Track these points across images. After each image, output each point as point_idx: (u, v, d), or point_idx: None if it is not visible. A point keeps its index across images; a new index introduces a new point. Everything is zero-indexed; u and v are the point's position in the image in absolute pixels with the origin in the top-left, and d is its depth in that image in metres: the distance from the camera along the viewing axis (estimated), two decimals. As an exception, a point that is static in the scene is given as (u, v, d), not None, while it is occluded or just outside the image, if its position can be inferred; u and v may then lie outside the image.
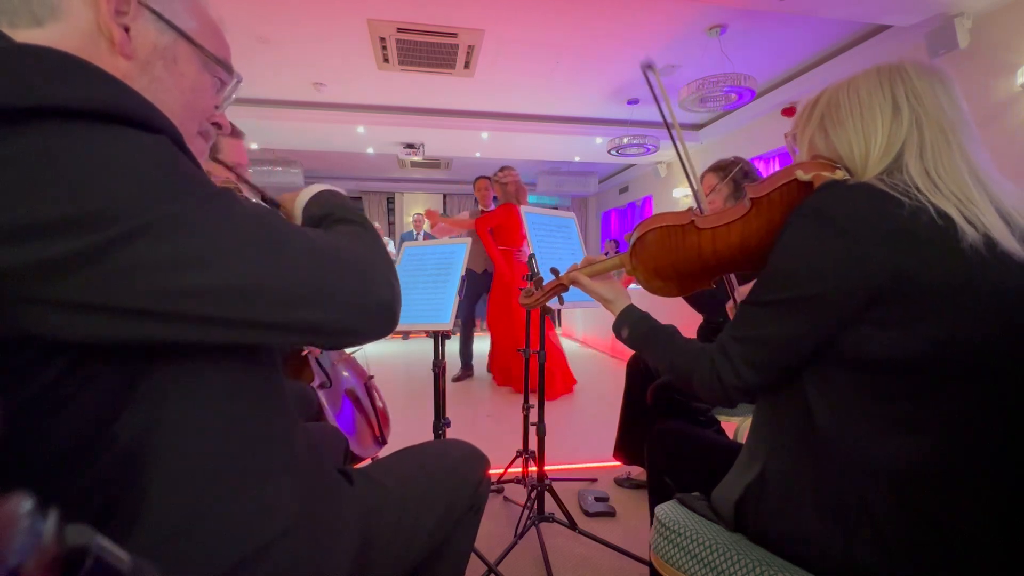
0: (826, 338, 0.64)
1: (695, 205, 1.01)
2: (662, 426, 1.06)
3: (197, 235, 0.39)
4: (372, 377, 1.78)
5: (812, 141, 0.75)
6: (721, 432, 1.61)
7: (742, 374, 0.69)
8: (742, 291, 1.30)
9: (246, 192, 0.74)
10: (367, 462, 1.43)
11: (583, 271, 0.99)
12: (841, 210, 0.62)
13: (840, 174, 0.69)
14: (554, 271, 1.08)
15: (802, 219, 0.65)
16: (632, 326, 0.90)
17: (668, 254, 0.84)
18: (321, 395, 1.39)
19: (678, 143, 1.04)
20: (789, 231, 0.66)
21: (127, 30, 0.48)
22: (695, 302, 1.76)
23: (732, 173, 1.71)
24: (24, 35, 0.43)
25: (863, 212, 0.61)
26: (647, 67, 1.06)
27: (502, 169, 3.69)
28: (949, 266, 0.58)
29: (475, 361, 4.16)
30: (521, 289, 1.13)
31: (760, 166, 5.36)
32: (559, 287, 1.05)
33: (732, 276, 1.31)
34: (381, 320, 0.51)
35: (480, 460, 0.85)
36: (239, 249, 0.41)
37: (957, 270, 0.58)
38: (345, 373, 1.66)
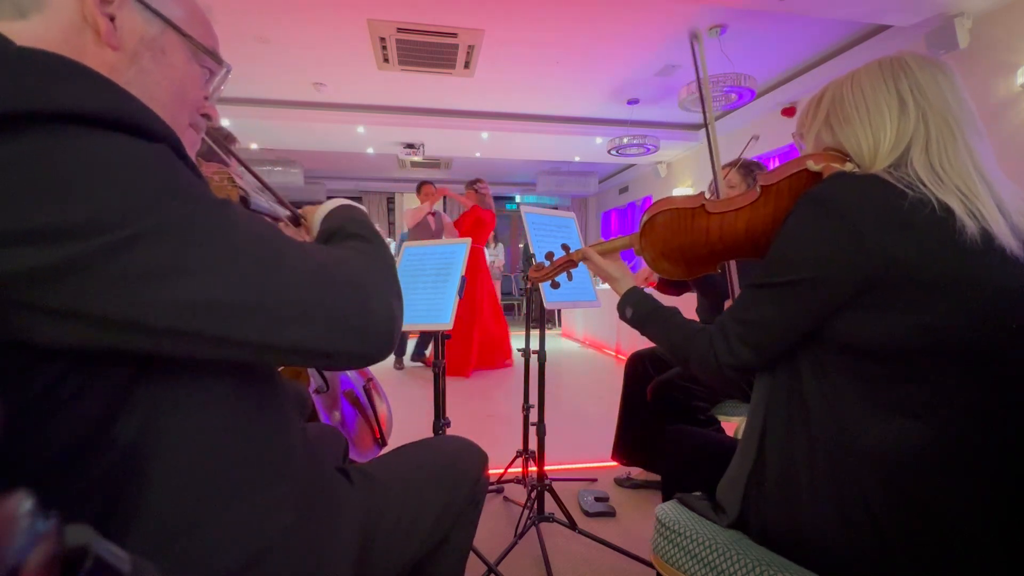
0: (820, 321, 0.66)
1: (710, 190, 1.03)
2: (677, 429, 1.06)
3: (191, 248, 0.38)
4: (372, 379, 1.78)
5: (819, 137, 0.75)
6: (720, 431, 1.61)
7: (737, 353, 0.72)
8: None
9: (267, 203, 0.74)
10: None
11: (594, 248, 1.02)
12: (842, 198, 0.63)
13: (850, 166, 0.70)
14: (565, 247, 1.09)
15: (805, 206, 0.67)
16: (635, 306, 0.92)
17: (677, 236, 0.86)
18: (316, 400, 1.39)
19: (710, 128, 1.04)
20: (792, 217, 0.68)
21: (112, 19, 0.47)
22: (703, 290, 1.77)
23: (754, 173, 1.75)
24: (7, 27, 0.42)
25: (863, 200, 0.62)
26: (693, 37, 1.08)
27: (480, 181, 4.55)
28: (945, 258, 0.59)
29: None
30: (531, 264, 1.16)
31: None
32: (568, 263, 1.08)
33: (734, 274, 1.31)
34: (375, 343, 0.49)
35: (478, 455, 0.85)
36: (233, 264, 0.40)
37: (953, 262, 0.59)
38: (348, 373, 1.66)
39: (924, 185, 0.62)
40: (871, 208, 0.62)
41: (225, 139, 1.37)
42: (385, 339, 0.50)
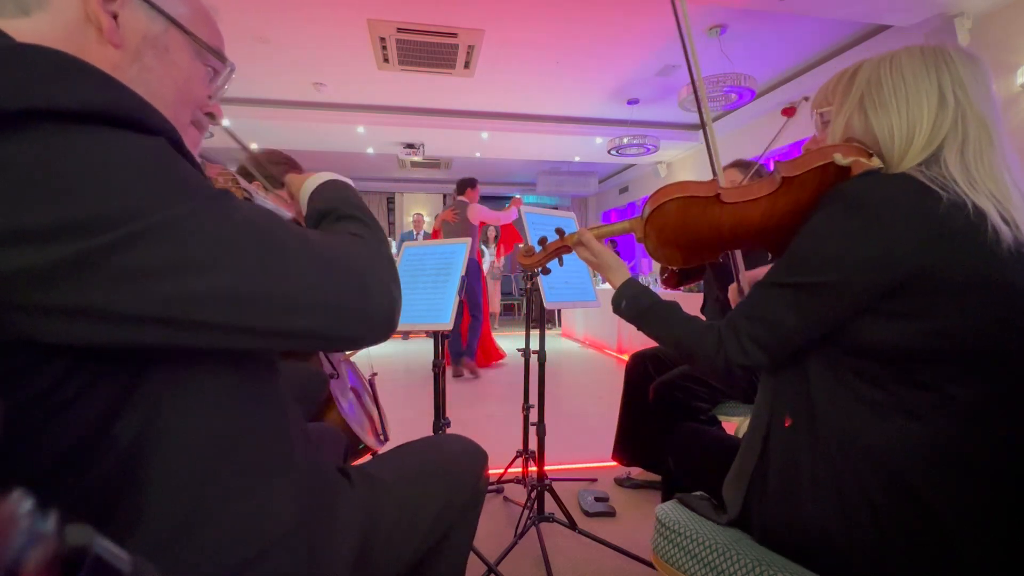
0: (838, 325, 0.64)
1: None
2: (686, 428, 1.05)
3: (194, 240, 0.38)
4: (375, 374, 1.79)
5: (849, 122, 0.71)
6: (721, 431, 1.61)
7: (749, 352, 0.70)
8: (751, 275, 1.29)
9: (271, 204, 0.74)
10: (367, 457, 1.44)
11: (591, 231, 0.95)
12: (879, 200, 0.61)
13: (876, 162, 0.67)
14: (559, 231, 1.01)
15: (837, 206, 0.64)
16: (632, 299, 0.88)
17: (686, 224, 0.81)
18: (332, 385, 1.40)
19: (696, 76, 1.00)
20: (821, 216, 0.66)
21: (115, 17, 0.47)
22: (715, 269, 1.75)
23: (756, 169, 1.73)
24: (9, 25, 0.42)
25: (901, 204, 0.60)
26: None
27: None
28: (977, 264, 0.58)
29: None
30: (520, 247, 1.08)
31: (760, 166, 5.36)
32: (562, 248, 1.00)
33: (739, 260, 1.29)
34: (378, 327, 0.51)
35: (478, 455, 0.85)
36: (237, 255, 0.40)
37: (983, 268, 0.58)
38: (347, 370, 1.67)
39: (958, 187, 0.60)
40: (906, 213, 0.60)
41: (287, 163, 1.39)
42: (386, 322, 0.51)
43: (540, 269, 1.06)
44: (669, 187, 0.81)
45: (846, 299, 0.63)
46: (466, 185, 4.46)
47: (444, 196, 9.83)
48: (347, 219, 0.61)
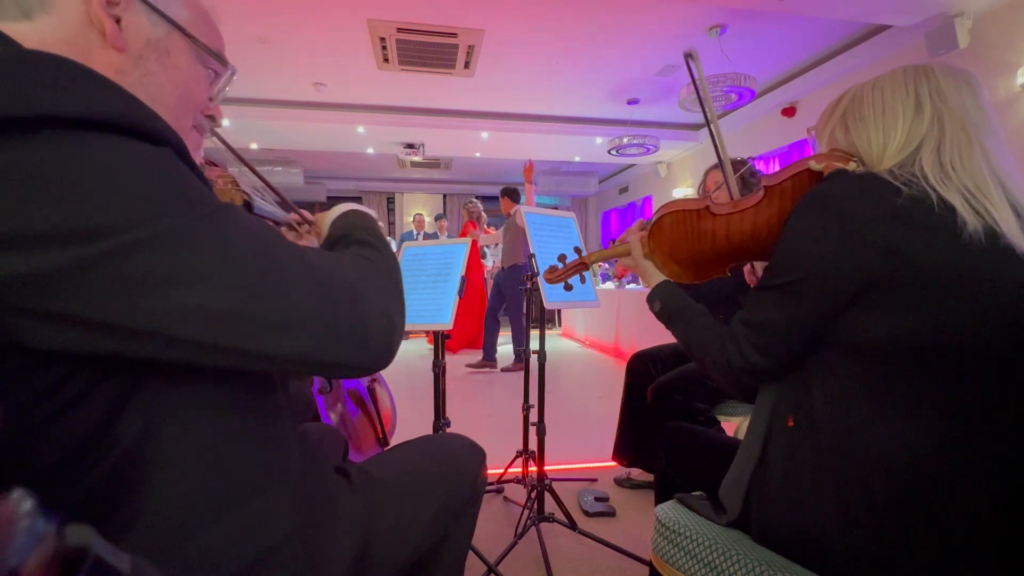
0: (825, 321, 0.65)
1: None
2: (675, 425, 1.06)
3: (191, 254, 0.38)
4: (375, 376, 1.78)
5: (832, 135, 0.76)
6: (721, 432, 1.61)
7: (748, 357, 0.71)
8: None
9: (271, 206, 0.74)
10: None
11: (597, 254, 1.04)
12: (839, 195, 0.64)
13: (853, 166, 0.70)
14: (577, 250, 1.15)
15: (804, 205, 0.67)
16: (665, 300, 0.91)
17: (683, 238, 0.87)
18: (319, 400, 1.38)
19: (716, 137, 1.03)
20: (792, 217, 0.69)
21: (118, 21, 0.47)
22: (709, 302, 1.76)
23: (740, 171, 1.72)
24: (12, 28, 0.42)
25: (859, 196, 0.63)
26: (688, 56, 1.06)
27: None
28: (946, 253, 0.59)
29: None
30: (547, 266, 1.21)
31: (760, 166, 5.37)
32: (580, 265, 1.10)
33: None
34: (374, 352, 0.49)
35: (477, 453, 0.85)
36: (232, 271, 0.39)
37: (954, 258, 0.59)
38: None
39: (927, 181, 0.62)
40: (868, 204, 0.62)
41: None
42: (383, 350, 0.49)
43: (563, 285, 1.18)
44: (665, 204, 0.89)
45: (826, 292, 0.64)
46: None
47: (444, 196, 9.83)
48: (358, 244, 0.60)
